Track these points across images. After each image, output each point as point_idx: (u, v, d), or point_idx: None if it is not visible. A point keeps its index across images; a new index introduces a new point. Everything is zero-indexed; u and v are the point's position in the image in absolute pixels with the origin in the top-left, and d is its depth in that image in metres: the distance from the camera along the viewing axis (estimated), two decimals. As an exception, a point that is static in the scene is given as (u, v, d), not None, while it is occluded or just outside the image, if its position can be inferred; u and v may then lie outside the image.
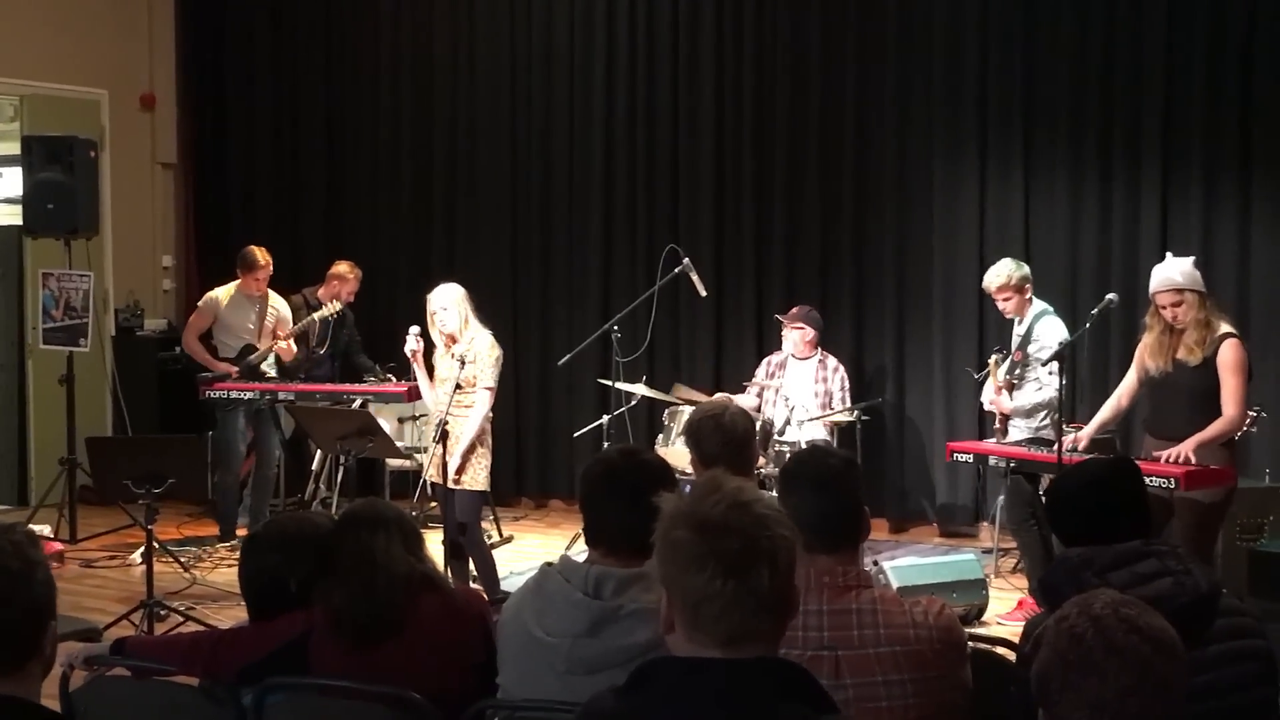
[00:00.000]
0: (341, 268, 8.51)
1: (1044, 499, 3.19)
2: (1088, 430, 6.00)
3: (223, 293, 8.24)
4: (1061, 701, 2.06)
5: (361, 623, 3.15)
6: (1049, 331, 6.58)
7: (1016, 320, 6.78)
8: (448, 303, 6.28)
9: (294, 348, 8.17)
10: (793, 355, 7.91)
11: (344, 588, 3.19)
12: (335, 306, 8.16)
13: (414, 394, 6.93)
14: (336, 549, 3.27)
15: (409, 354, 6.39)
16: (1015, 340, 6.77)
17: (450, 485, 6.23)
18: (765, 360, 8.07)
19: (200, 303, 8.38)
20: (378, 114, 9.92)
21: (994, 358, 6.75)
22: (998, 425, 6.71)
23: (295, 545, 3.34)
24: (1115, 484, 3.18)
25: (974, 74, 8.15)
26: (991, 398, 6.69)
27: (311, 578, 3.26)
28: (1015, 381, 6.63)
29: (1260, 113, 7.42)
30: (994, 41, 8.09)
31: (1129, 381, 5.90)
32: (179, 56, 10.40)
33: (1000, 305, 6.75)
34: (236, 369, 8.03)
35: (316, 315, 8.17)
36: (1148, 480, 5.22)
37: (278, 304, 8.30)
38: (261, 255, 8.11)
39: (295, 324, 8.22)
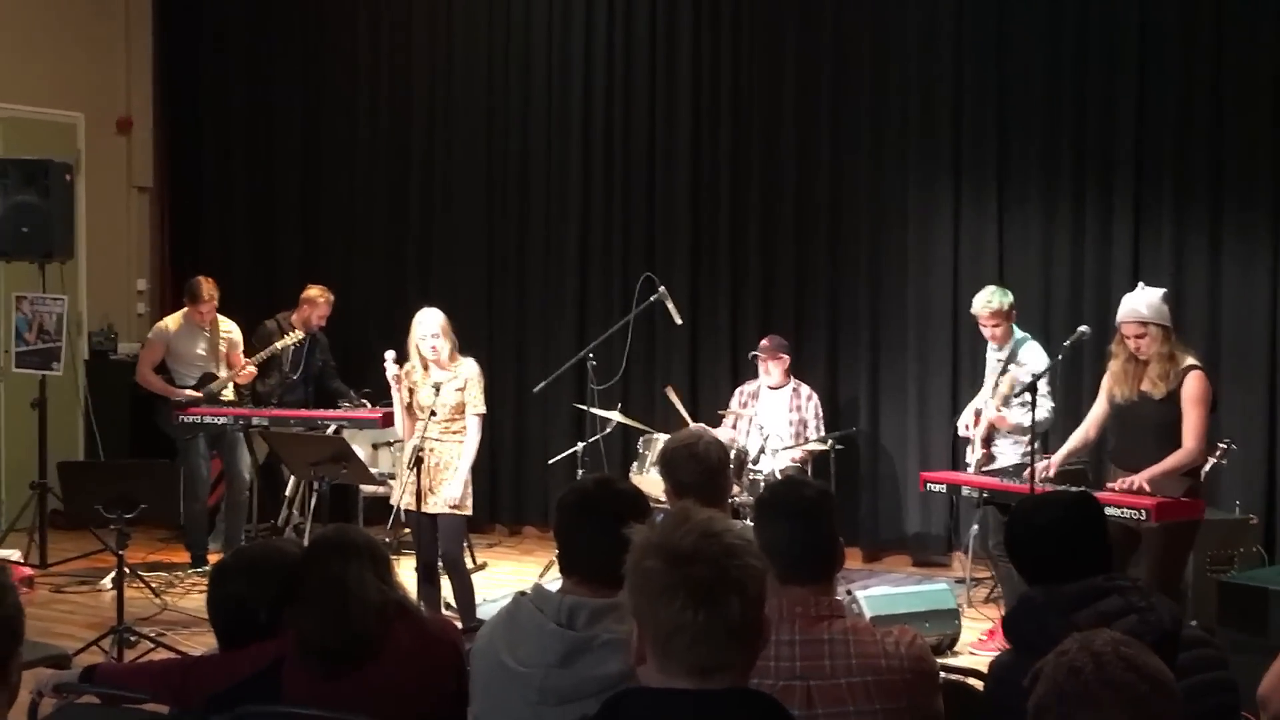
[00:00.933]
0: (313, 292, 8.51)
1: (1005, 535, 3.17)
2: (1056, 458, 6.01)
3: (171, 321, 8.25)
4: None
5: (333, 649, 3.13)
6: (1034, 356, 6.63)
7: (994, 347, 6.83)
8: (438, 328, 6.28)
9: (253, 372, 8.17)
10: (767, 385, 7.94)
11: (314, 614, 3.16)
12: (296, 335, 8.15)
13: (388, 420, 6.91)
14: (306, 575, 3.25)
15: (391, 379, 6.35)
16: (994, 367, 6.80)
17: (448, 509, 6.24)
18: (738, 390, 8.09)
19: (150, 334, 8.38)
20: (354, 139, 9.93)
21: (1004, 377, 6.67)
22: (982, 451, 6.68)
23: (263, 573, 3.33)
24: (1076, 522, 3.16)
25: (948, 104, 8.21)
26: (992, 415, 6.63)
27: (280, 605, 3.25)
28: (1001, 407, 6.65)
29: (1231, 145, 7.50)
30: (968, 73, 8.16)
31: (1097, 410, 5.94)
32: (155, 80, 10.39)
33: (989, 331, 6.78)
34: (200, 394, 8.00)
35: (278, 344, 8.16)
36: (1119, 511, 5.31)
37: (229, 328, 8.31)
38: (207, 288, 8.10)
39: (264, 348, 8.21)
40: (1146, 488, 5.43)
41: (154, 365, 8.21)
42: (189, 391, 8.03)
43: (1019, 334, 6.80)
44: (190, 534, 8.12)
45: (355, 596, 3.16)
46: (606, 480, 3.16)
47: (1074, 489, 4.43)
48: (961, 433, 7.02)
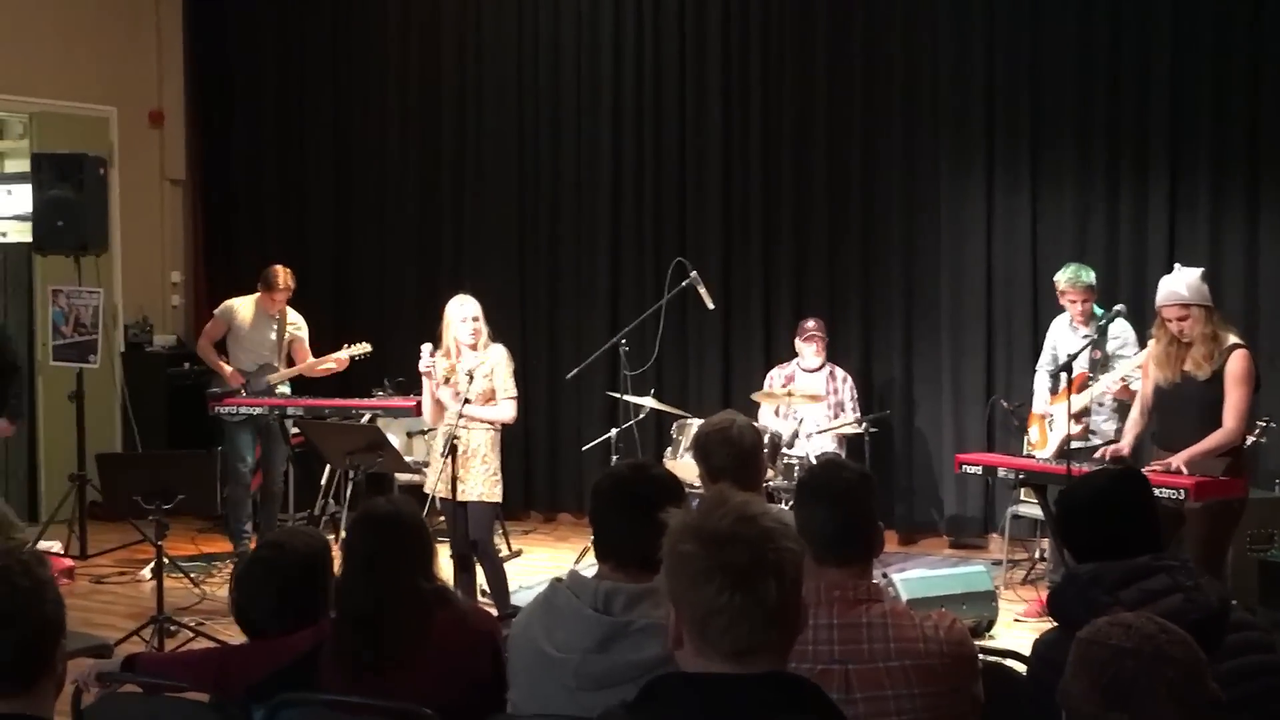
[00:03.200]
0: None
1: (1054, 511, 3.17)
2: (1126, 442, 5.94)
3: (240, 305, 8.18)
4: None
5: (367, 662, 3.15)
6: (1123, 329, 6.67)
7: (1072, 325, 6.86)
8: (478, 313, 6.32)
9: (332, 369, 8.17)
10: (800, 367, 7.92)
11: (351, 626, 3.17)
12: (365, 348, 8.12)
13: (421, 409, 6.92)
14: (348, 577, 3.24)
15: (423, 370, 6.36)
16: (1071, 343, 6.78)
17: (477, 497, 6.26)
18: (773, 372, 8.08)
19: (216, 311, 8.33)
20: (385, 128, 9.95)
21: (1131, 354, 6.61)
22: (1078, 426, 6.57)
23: (283, 572, 3.37)
24: (1124, 497, 3.16)
25: (980, 86, 8.16)
26: (1114, 386, 6.55)
27: (304, 600, 3.27)
28: (1091, 379, 6.61)
29: (1267, 122, 7.43)
30: (1000, 54, 8.10)
31: (1144, 394, 5.88)
32: (187, 73, 10.43)
33: (1077, 308, 6.83)
34: (243, 378, 8.03)
35: (344, 354, 8.12)
36: (1158, 491, 5.26)
37: (295, 321, 8.28)
38: (284, 277, 8.05)
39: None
40: (1184, 469, 5.39)
41: (213, 340, 8.21)
42: (232, 371, 8.03)
43: (1099, 312, 6.83)
44: (231, 521, 8.15)
45: (390, 608, 3.15)
46: (641, 465, 3.16)
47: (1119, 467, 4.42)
48: (1040, 409, 6.96)
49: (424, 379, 6.38)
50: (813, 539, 2.81)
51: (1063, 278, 6.90)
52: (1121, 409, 6.71)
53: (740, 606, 1.94)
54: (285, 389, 8.23)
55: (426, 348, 6.37)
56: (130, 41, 10.12)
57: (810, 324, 7.94)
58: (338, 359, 8.11)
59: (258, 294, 8.13)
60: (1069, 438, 6.40)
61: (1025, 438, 7.15)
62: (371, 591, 3.16)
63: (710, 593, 1.95)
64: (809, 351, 7.88)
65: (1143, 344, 6.34)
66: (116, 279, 9.78)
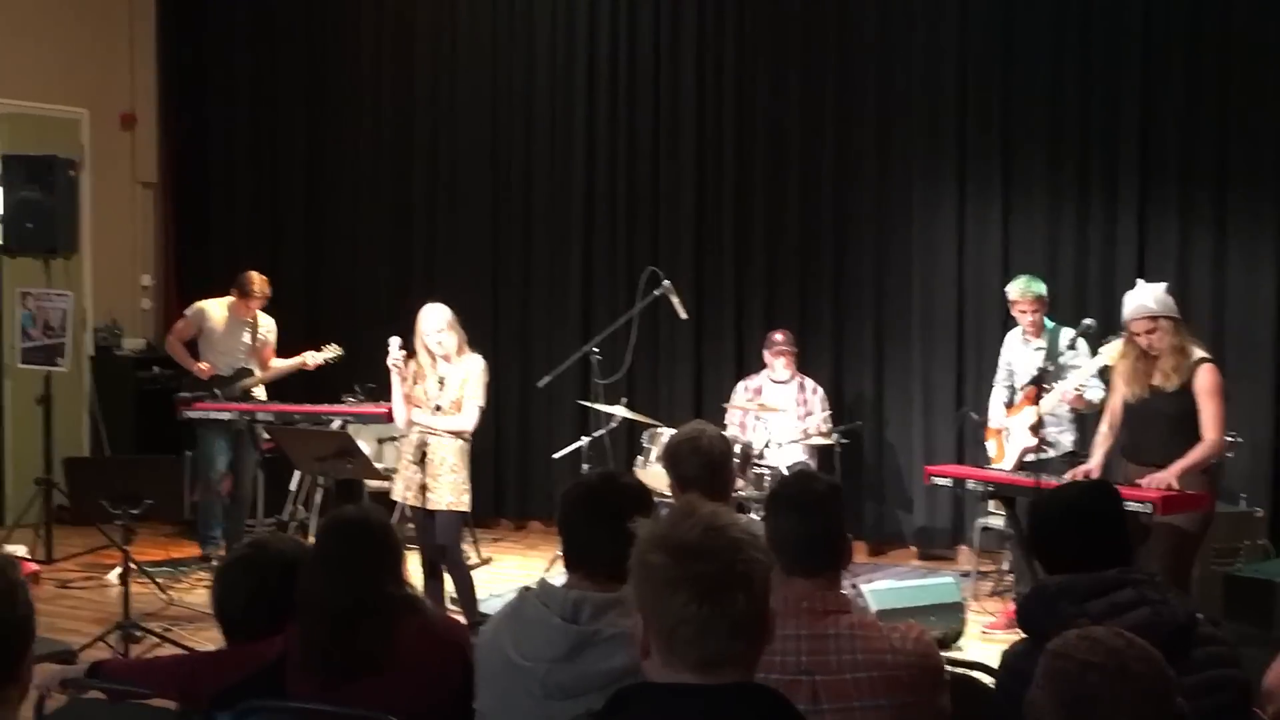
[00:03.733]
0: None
1: (1026, 522, 3.19)
2: (1094, 463, 5.97)
3: (212, 307, 8.14)
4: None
5: (335, 667, 3.13)
6: (1080, 342, 6.70)
7: (1024, 337, 6.89)
8: (443, 325, 6.29)
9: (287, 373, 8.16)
10: (771, 379, 7.94)
11: (319, 630, 3.15)
12: (335, 351, 8.11)
13: (392, 415, 6.90)
14: (314, 581, 3.22)
15: (392, 365, 6.34)
16: (1026, 356, 6.82)
17: (445, 505, 6.25)
18: (741, 384, 8.08)
19: (187, 311, 8.28)
20: (358, 133, 9.93)
21: (1086, 361, 6.60)
22: (1034, 439, 6.51)
23: (265, 572, 3.33)
24: (1095, 508, 3.18)
25: (952, 99, 8.20)
26: (1069, 395, 6.54)
27: (282, 601, 3.25)
28: (1046, 389, 6.62)
29: (1236, 138, 7.48)
30: (972, 67, 8.14)
31: (1113, 409, 5.92)
32: (159, 75, 10.39)
33: (1029, 318, 6.85)
34: (211, 372, 8.01)
35: (309, 359, 8.10)
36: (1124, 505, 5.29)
37: (266, 324, 8.26)
38: (260, 285, 8.02)
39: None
40: (1175, 485, 5.43)
41: (183, 340, 8.18)
42: (202, 366, 8.00)
43: (1050, 324, 6.84)
44: (201, 527, 8.11)
45: (361, 612, 3.13)
46: (610, 475, 3.16)
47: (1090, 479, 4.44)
48: (996, 424, 6.99)
49: (392, 375, 6.36)
50: (782, 549, 2.82)
51: (1014, 288, 6.92)
52: (1079, 420, 6.75)
53: (707, 618, 1.94)
54: (261, 393, 8.20)
55: (395, 341, 6.35)
56: (102, 43, 10.07)
57: (778, 337, 7.94)
58: (309, 361, 8.09)
59: (231, 298, 8.09)
60: (1025, 450, 6.45)
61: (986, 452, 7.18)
62: (339, 596, 3.14)
63: (678, 604, 1.95)
64: (778, 365, 7.88)
65: (1094, 353, 6.39)
66: (86, 282, 9.72)
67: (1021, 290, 6.86)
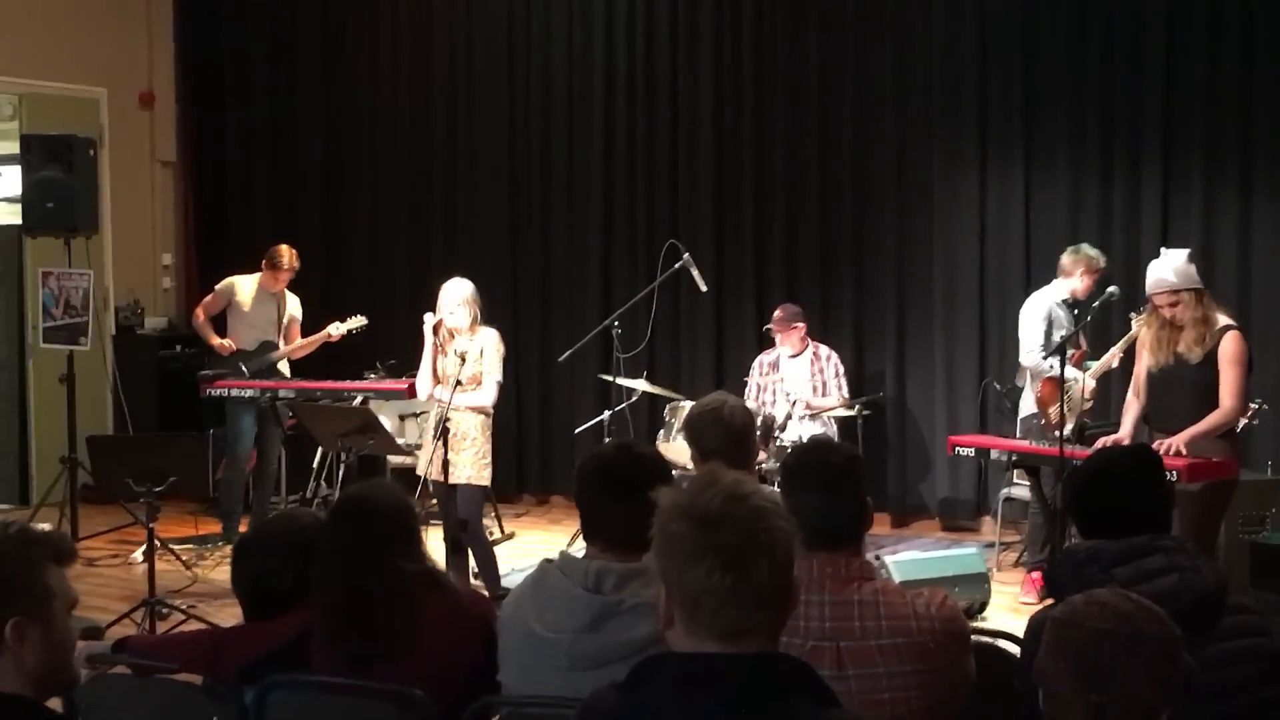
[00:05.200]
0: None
1: (1066, 484, 3.20)
2: (1125, 430, 5.91)
3: (242, 282, 8.17)
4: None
5: (355, 643, 3.12)
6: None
7: (1065, 301, 6.95)
8: (460, 299, 6.33)
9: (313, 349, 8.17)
10: (785, 354, 7.90)
11: (336, 615, 3.13)
12: (360, 321, 8.12)
13: (414, 391, 6.91)
14: (326, 564, 3.19)
15: (429, 330, 6.39)
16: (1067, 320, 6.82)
17: (466, 479, 6.27)
18: (757, 361, 8.04)
19: (218, 286, 8.32)
20: (376, 110, 9.91)
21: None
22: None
23: (284, 546, 3.33)
24: (1134, 473, 3.16)
25: (974, 70, 8.14)
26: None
27: (305, 576, 3.25)
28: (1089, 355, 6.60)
29: (1260, 105, 7.42)
30: (992, 38, 8.08)
31: (1137, 377, 5.88)
32: (178, 54, 10.39)
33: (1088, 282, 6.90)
34: (234, 349, 8.02)
35: (333, 330, 8.10)
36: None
37: (293, 301, 8.28)
38: (289, 257, 8.04)
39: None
40: (1184, 450, 5.39)
41: (210, 314, 8.21)
42: (224, 343, 8.02)
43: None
44: (224, 504, 8.14)
45: (377, 591, 3.11)
46: (625, 445, 3.15)
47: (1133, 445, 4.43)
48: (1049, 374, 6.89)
49: (426, 344, 6.42)
50: (801, 526, 2.79)
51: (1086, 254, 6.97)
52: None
53: (731, 587, 1.93)
54: (285, 369, 8.22)
55: (430, 317, 6.42)
56: (120, 22, 10.07)
57: (777, 314, 7.86)
58: (333, 332, 8.09)
59: (260, 273, 8.12)
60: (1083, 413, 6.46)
61: (1039, 412, 6.96)
62: (352, 575, 3.14)
63: (701, 573, 1.94)
64: (789, 342, 7.84)
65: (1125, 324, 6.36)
66: (107, 261, 9.74)
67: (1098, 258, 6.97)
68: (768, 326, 7.90)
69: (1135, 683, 2.10)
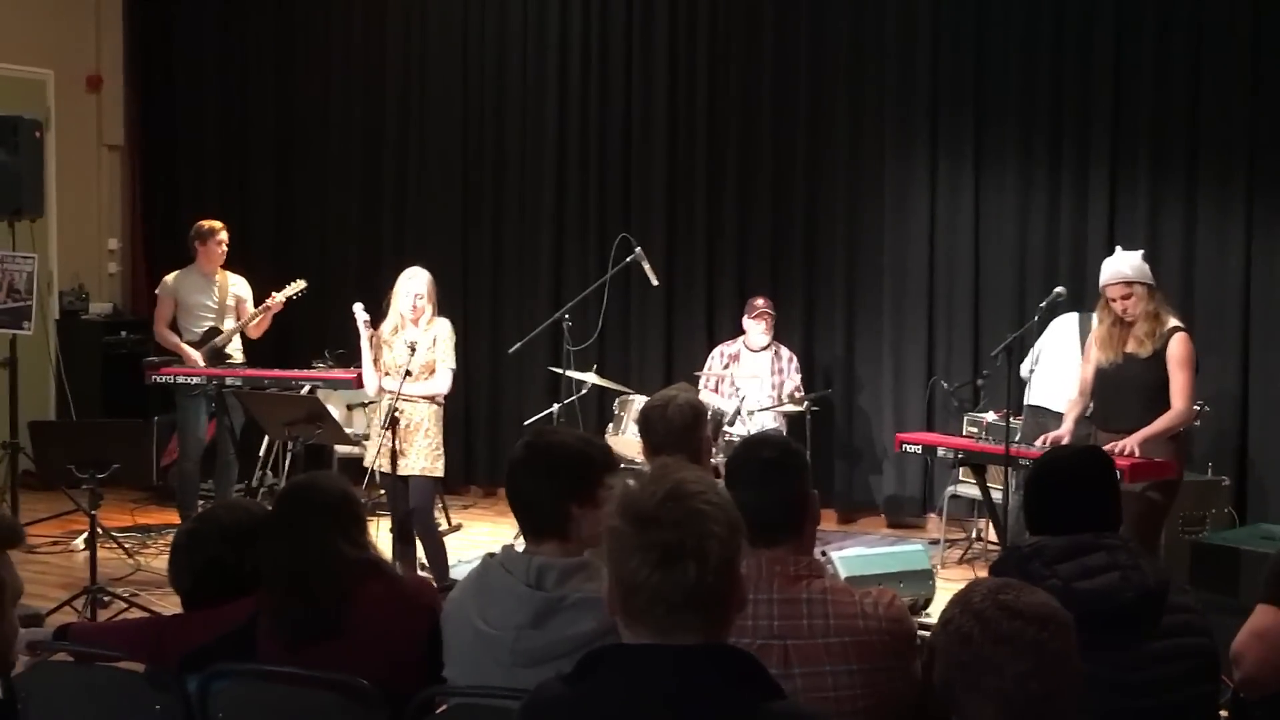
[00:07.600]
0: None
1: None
2: (1065, 428, 5.97)
3: (176, 276, 8.06)
4: (968, 704, 2.07)
5: (298, 627, 3.11)
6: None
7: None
8: (425, 289, 6.33)
9: (266, 324, 8.05)
10: (746, 347, 7.93)
11: (279, 592, 3.14)
12: (298, 285, 8.02)
13: (363, 381, 6.88)
14: (270, 544, 3.21)
15: (362, 325, 6.36)
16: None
17: (419, 471, 6.26)
18: (717, 350, 8.07)
19: (157, 291, 8.21)
20: (328, 96, 9.84)
21: None
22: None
23: (211, 544, 3.34)
24: (1084, 473, 3.19)
25: (926, 69, 8.18)
26: None
27: (237, 570, 3.26)
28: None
29: (1206, 108, 7.49)
30: (945, 37, 8.13)
31: (1083, 378, 5.94)
32: (126, 37, 10.26)
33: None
34: (198, 350, 7.92)
35: (271, 300, 8.01)
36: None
37: (237, 281, 8.17)
38: (213, 227, 7.93)
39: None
40: (1138, 451, 5.45)
41: (166, 322, 8.07)
42: (194, 353, 7.92)
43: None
44: (181, 495, 8.03)
45: (318, 571, 3.12)
46: (542, 431, 3.13)
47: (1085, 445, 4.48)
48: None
49: (362, 341, 6.41)
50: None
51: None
52: None
53: (658, 585, 1.95)
54: (238, 355, 8.11)
55: (358, 306, 6.41)
56: (68, 3, 9.94)
57: (760, 301, 7.95)
58: (273, 303, 7.98)
59: (194, 261, 8.03)
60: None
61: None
62: (294, 560, 3.14)
63: (631, 568, 1.96)
64: (757, 330, 7.87)
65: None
66: (52, 245, 9.62)
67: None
68: (758, 311, 7.84)
69: (997, 681, 2.06)
